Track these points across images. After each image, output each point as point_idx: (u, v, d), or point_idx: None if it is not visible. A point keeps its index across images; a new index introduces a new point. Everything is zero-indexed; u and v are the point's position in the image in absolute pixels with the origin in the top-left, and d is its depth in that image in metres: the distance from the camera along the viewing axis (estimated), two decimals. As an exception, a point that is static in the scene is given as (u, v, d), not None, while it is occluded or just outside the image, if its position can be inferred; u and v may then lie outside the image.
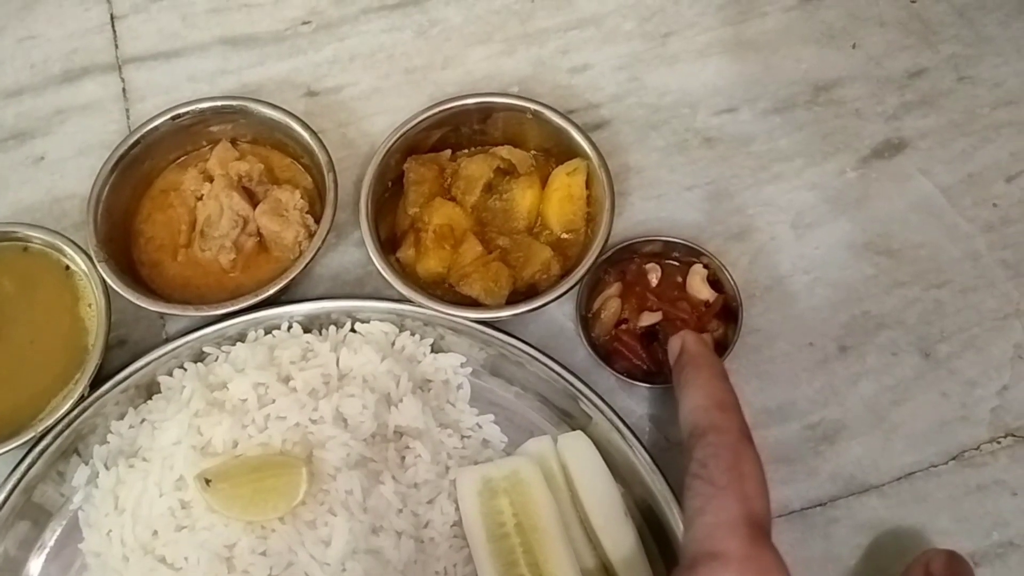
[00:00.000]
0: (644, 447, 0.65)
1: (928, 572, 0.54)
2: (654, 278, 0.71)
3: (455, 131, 0.76)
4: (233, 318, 0.70)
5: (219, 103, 0.75)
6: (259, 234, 0.73)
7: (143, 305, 0.68)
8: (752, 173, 0.78)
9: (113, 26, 0.88)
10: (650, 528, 0.66)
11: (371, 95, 0.84)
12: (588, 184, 0.71)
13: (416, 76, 0.84)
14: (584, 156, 0.72)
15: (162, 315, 0.74)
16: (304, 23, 0.87)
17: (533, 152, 0.75)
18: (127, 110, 0.84)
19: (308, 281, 0.74)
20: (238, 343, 0.70)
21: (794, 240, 0.76)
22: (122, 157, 0.73)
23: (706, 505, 0.48)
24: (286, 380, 0.66)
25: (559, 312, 0.73)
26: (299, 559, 0.60)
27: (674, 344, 0.60)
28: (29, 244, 0.72)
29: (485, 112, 0.75)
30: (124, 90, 0.85)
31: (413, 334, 0.71)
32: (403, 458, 0.65)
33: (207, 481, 0.60)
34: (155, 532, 0.63)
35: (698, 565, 0.46)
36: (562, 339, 0.72)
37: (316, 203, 0.74)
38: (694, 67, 0.83)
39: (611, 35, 0.84)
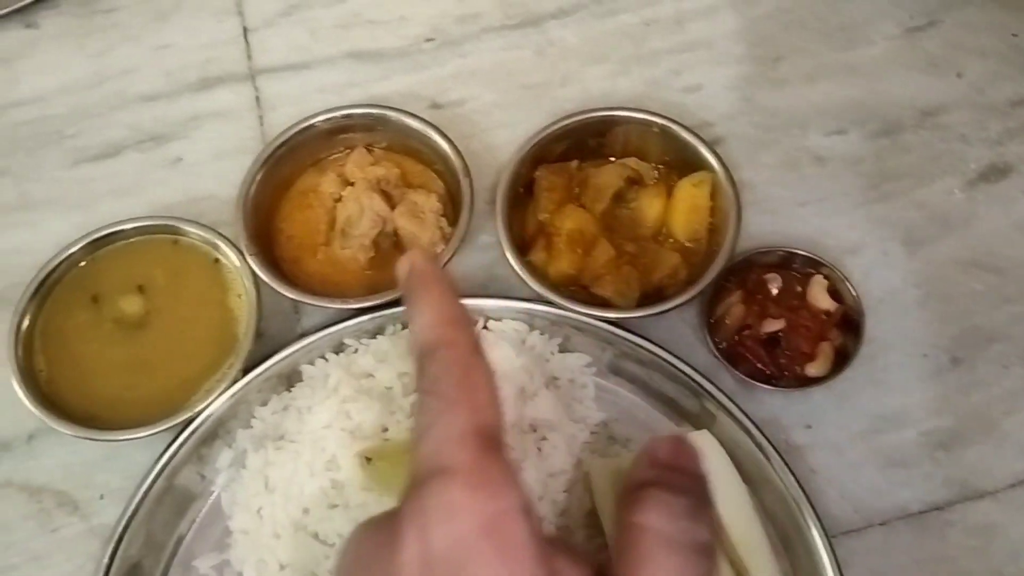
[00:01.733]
0: (774, 447, 0.68)
1: (653, 459, 0.49)
2: (775, 287, 0.74)
3: (577, 143, 0.79)
4: (373, 312, 0.73)
5: (359, 111, 0.79)
6: (395, 235, 0.76)
7: (292, 297, 0.72)
8: (862, 192, 0.81)
9: (246, 38, 0.92)
10: (776, 530, 0.68)
11: (492, 109, 0.87)
12: (712, 196, 0.74)
13: (535, 92, 0.88)
14: (709, 169, 0.75)
15: (296, 307, 0.78)
16: (427, 40, 0.91)
17: (655, 164, 0.78)
18: (261, 117, 0.88)
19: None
20: (378, 336, 0.73)
21: (905, 256, 0.79)
22: (268, 158, 0.77)
23: (436, 420, 0.44)
24: (427, 372, 0.69)
25: (678, 318, 0.77)
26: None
27: (402, 265, 0.53)
28: (179, 238, 0.76)
29: (608, 125, 0.78)
30: (258, 99, 0.89)
31: (542, 333, 0.74)
32: (539, 449, 0.68)
33: (368, 459, 0.63)
34: (306, 510, 0.66)
35: (426, 482, 0.42)
36: (681, 344, 0.75)
37: (448, 207, 0.78)
38: (803, 90, 0.86)
39: (722, 57, 0.88)
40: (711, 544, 0.46)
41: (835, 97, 0.86)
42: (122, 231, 0.75)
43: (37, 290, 0.73)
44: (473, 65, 0.90)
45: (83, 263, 0.75)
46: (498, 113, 0.87)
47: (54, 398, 0.71)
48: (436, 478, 0.42)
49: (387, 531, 0.42)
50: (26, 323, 0.72)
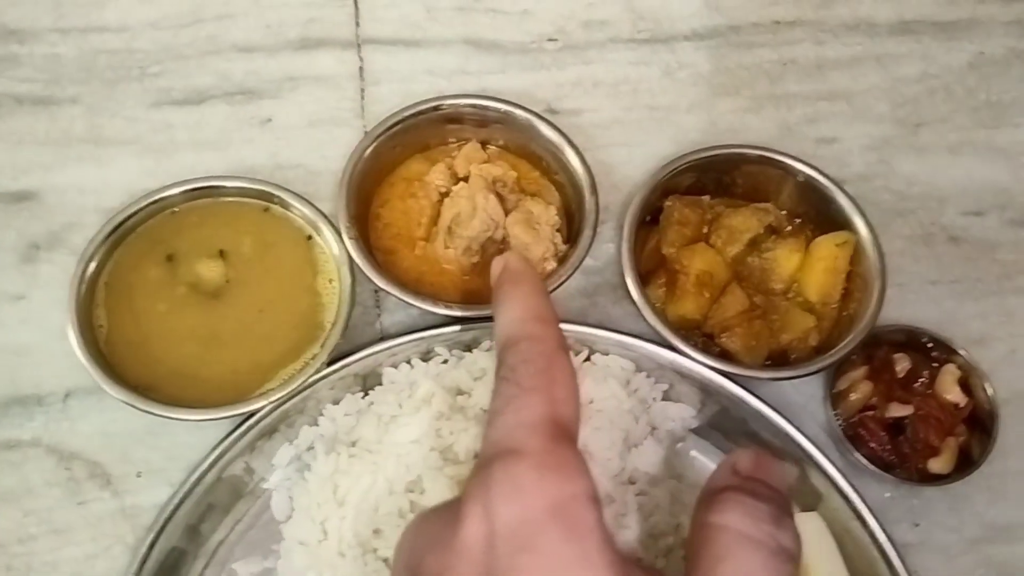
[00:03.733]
0: (891, 540, 0.62)
1: (735, 469, 0.49)
2: (902, 368, 0.69)
3: (706, 178, 0.73)
4: (471, 323, 0.66)
5: (486, 102, 0.72)
6: (504, 243, 0.70)
7: (391, 292, 0.66)
8: (997, 281, 0.76)
9: (356, 3, 0.85)
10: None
11: (611, 125, 0.81)
12: (852, 260, 0.69)
13: (659, 114, 0.82)
14: (852, 229, 0.69)
15: (378, 302, 0.72)
16: (550, 40, 0.85)
17: (787, 214, 0.72)
18: (362, 90, 0.82)
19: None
20: (473, 350, 0.67)
21: (1035, 356, 0.73)
22: (379, 136, 0.71)
23: (508, 405, 0.44)
24: (528, 399, 0.63)
25: (788, 385, 0.71)
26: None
27: (496, 265, 0.54)
28: (271, 205, 0.69)
29: (744, 163, 0.72)
30: (361, 69, 0.83)
31: (648, 376, 0.68)
32: (640, 506, 0.62)
33: (468, 489, 0.56)
34: (378, 531, 0.60)
35: (494, 461, 0.41)
36: (788, 413, 0.69)
37: (563, 223, 0.72)
38: (944, 162, 0.81)
39: (862, 113, 0.83)
40: (794, 553, 0.44)
41: (976, 175, 0.81)
42: (220, 187, 0.68)
43: (110, 234, 0.66)
44: (596, 74, 0.84)
45: (164, 214, 0.68)
46: (617, 130, 0.81)
47: (111, 359, 0.64)
48: (504, 458, 0.41)
49: (451, 511, 0.41)
50: (91, 269, 0.65)
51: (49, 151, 0.78)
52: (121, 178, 0.76)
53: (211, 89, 0.81)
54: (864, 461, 0.65)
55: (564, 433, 0.43)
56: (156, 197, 0.67)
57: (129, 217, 0.66)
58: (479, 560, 0.39)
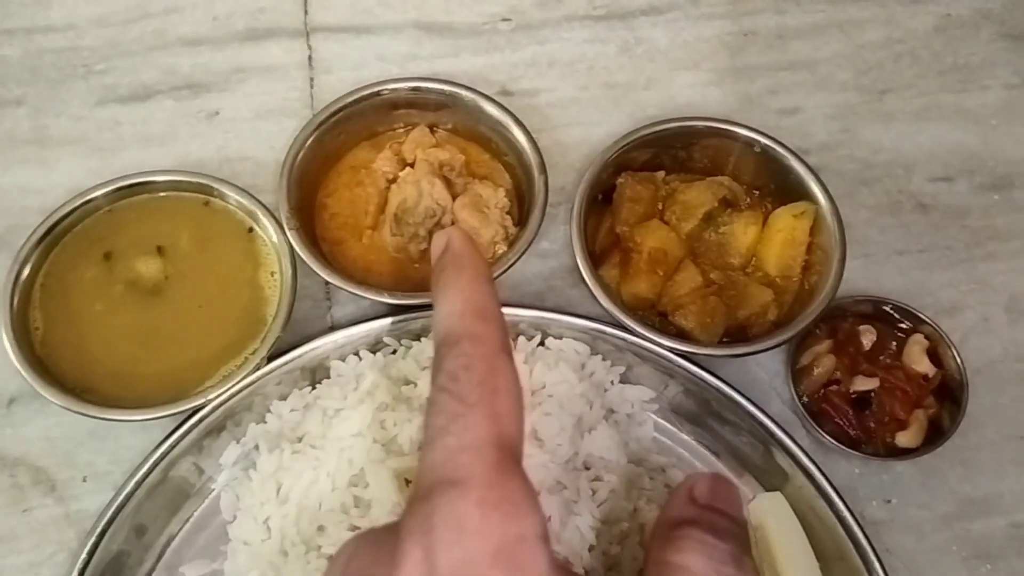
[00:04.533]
0: (857, 520, 0.59)
1: (692, 497, 0.46)
2: (868, 341, 0.66)
3: (662, 154, 0.71)
4: (419, 311, 0.64)
5: (430, 84, 0.71)
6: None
7: (336, 284, 0.64)
8: (966, 248, 0.74)
9: (305, -9, 0.83)
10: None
11: (568, 104, 0.79)
12: (812, 230, 0.66)
13: (616, 92, 0.80)
14: (812, 200, 0.66)
15: (328, 294, 0.71)
16: (504, 20, 0.83)
17: (746, 188, 0.70)
18: (312, 79, 0.80)
19: (491, 286, 0.69)
20: (422, 339, 0.65)
21: (1007, 325, 0.71)
22: (320, 124, 0.69)
23: (450, 424, 0.39)
24: (476, 387, 0.61)
25: (753, 361, 0.68)
26: None
27: (438, 241, 0.48)
28: (211, 199, 0.67)
29: (700, 136, 0.70)
30: (310, 58, 0.81)
31: (604, 359, 0.66)
32: (593, 492, 0.60)
33: (407, 481, 0.54)
34: (322, 528, 0.58)
35: (434, 494, 0.37)
36: (754, 390, 0.67)
37: (513, 205, 0.69)
38: (910, 128, 0.78)
39: (825, 82, 0.80)
40: None
41: (945, 141, 0.78)
42: (151, 183, 0.66)
43: (44, 236, 0.64)
44: (551, 54, 0.82)
45: (100, 213, 0.66)
46: (574, 109, 0.79)
47: (47, 361, 0.62)
48: (446, 491, 0.37)
49: (387, 546, 0.37)
50: (26, 272, 0.64)
51: (-7, 154, 0.76)
52: (66, 179, 0.74)
53: (157, 84, 0.80)
54: (828, 438, 0.63)
55: (510, 457, 0.39)
56: (88, 197, 0.65)
57: (64, 218, 0.65)
58: None
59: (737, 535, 0.44)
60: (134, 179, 0.66)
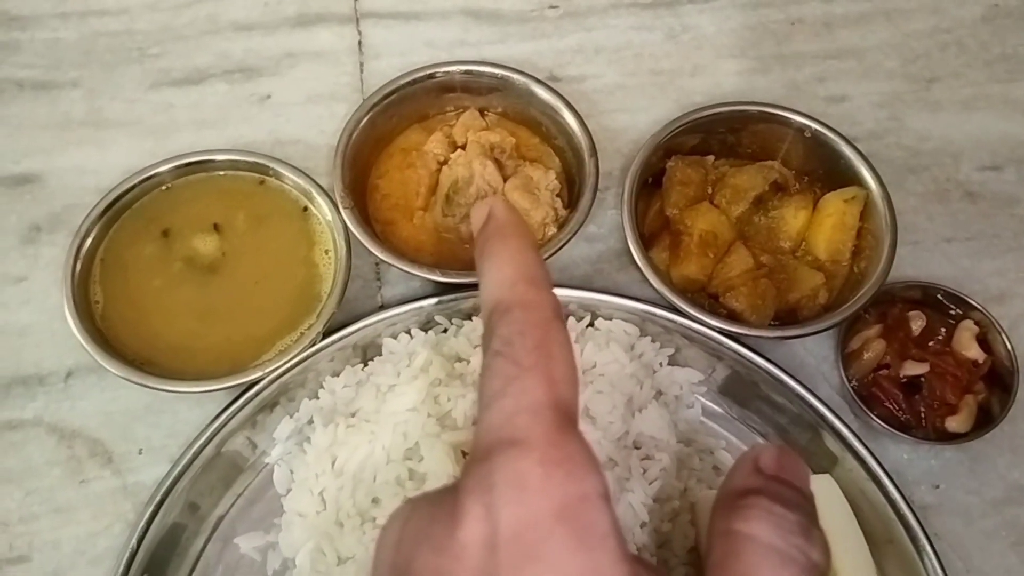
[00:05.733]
0: (906, 502, 0.59)
1: (758, 467, 0.45)
2: (917, 326, 0.66)
3: (710, 139, 0.72)
4: (469, 291, 0.65)
5: (483, 68, 0.71)
6: (504, 209, 0.68)
7: (391, 263, 0.65)
8: (1015, 236, 0.74)
9: (355, -22, 0.84)
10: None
11: (614, 90, 0.80)
12: (862, 215, 0.66)
13: (662, 79, 0.80)
14: (863, 186, 0.67)
15: (379, 273, 0.71)
16: (551, 7, 0.84)
17: (795, 173, 0.70)
18: (361, 64, 0.81)
19: (539, 268, 0.69)
20: (473, 318, 0.65)
21: (1057, 313, 0.70)
22: (374, 106, 0.70)
23: (507, 387, 0.39)
24: (528, 365, 0.61)
25: (800, 345, 0.69)
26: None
27: (479, 211, 0.48)
28: (267, 179, 0.68)
29: (749, 122, 0.70)
30: (360, 44, 0.82)
31: (654, 340, 0.66)
32: (644, 470, 0.60)
33: (464, 453, 0.55)
34: (376, 500, 0.58)
35: (495, 454, 0.36)
36: (801, 375, 0.67)
37: (563, 188, 0.70)
38: (958, 117, 0.78)
39: (872, 70, 0.80)
40: (824, 568, 0.41)
41: (992, 130, 0.78)
42: (211, 161, 0.67)
43: (104, 212, 0.65)
44: (598, 41, 0.82)
45: (157, 191, 0.67)
46: (620, 95, 0.80)
47: (107, 334, 0.63)
48: (506, 451, 0.36)
49: (445, 506, 0.37)
50: (87, 247, 0.65)
51: (50, 135, 0.78)
52: (121, 159, 0.76)
53: (210, 68, 0.81)
54: (878, 422, 0.63)
55: (568, 420, 0.39)
56: (148, 174, 0.66)
57: (123, 194, 0.66)
58: (478, 567, 0.35)
59: (804, 507, 0.43)
60: (195, 157, 0.67)
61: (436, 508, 0.38)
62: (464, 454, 0.56)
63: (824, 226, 0.67)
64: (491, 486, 0.35)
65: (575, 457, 0.37)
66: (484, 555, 0.34)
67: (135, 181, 0.66)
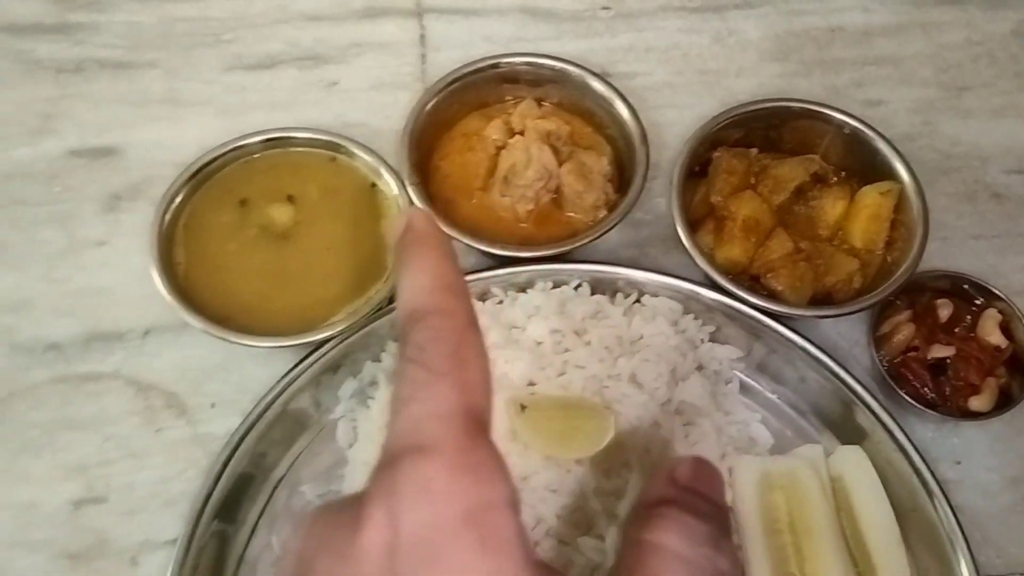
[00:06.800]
0: (933, 474, 0.64)
1: (672, 478, 0.44)
2: (944, 313, 0.70)
3: (754, 133, 0.76)
4: (525, 264, 0.70)
5: (542, 60, 0.76)
6: (558, 192, 0.73)
7: (450, 235, 0.68)
8: (1039, 236, 0.78)
9: (418, -25, 0.89)
10: (917, 563, 0.65)
11: (662, 88, 0.85)
12: (896, 208, 0.71)
13: (709, 79, 0.85)
14: (897, 180, 0.71)
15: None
16: (604, 8, 0.88)
17: (833, 167, 0.75)
18: (423, 56, 0.86)
19: (587, 250, 0.73)
20: (528, 291, 0.70)
21: (1079, 309, 0.74)
22: (438, 92, 0.74)
23: (417, 393, 0.38)
24: (579, 334, 0.66)
25: (833, 327, 0.73)
26: (589, 506, 0.60)
27: (398, 222, 0.47)
28: (337, 155, 0.73)
29: (791, 117, 0.75)
30: (422, 37, 0.87)
31: (696, 318, 0.70)
32: (687, 435, 0.64)
33: (522, 407, 0.59)
34: (438, 452, 0.62)
35: (400, 459, 0.35)
36: (835, 353, 0.71)
37: (615, 174, 0.75)
38: (987, 124, 0.83)
39: (907, 78, 0.85)
40: None
41: (1019, 136, 0.83)
42: (291, 138, 0.72)
43: (188, 180, 0.70)
44: (648, 41, 0.87)
45: (236, 164, 0.72)
46: (668, 93, 0.85)
47: (189, 293, 0.67)
48: (413, 456, 0.36)
49: (349, 511, 0.36)
50: (171, 213, 0.69)
51: (129, 111, 0.83)
52: (196, 136, 0.80)
53: (281, 55, 0.86)
54: (908, 399, 0.67)
55: (479, 427, 0.38)
56: (234, 145, 0.71)
57: (208, 164, 0.71)
58: (378, 573, 0.34)
59: (717, 517, 0.42)
60: (277, 133, 0.72)
61: (340, 515, 0.37)
62: (523, 407, 0.60)
63: (860, 216, 0.71)
64: (394, 491, 0.35)
65: (484, 464, 0.36)
66: (383, 561, 0.34)
67: (221, 151, 0.70)
